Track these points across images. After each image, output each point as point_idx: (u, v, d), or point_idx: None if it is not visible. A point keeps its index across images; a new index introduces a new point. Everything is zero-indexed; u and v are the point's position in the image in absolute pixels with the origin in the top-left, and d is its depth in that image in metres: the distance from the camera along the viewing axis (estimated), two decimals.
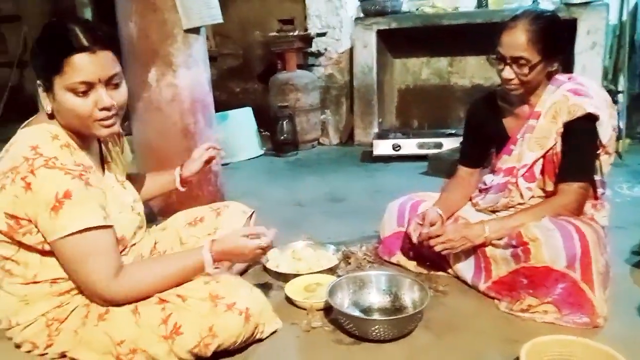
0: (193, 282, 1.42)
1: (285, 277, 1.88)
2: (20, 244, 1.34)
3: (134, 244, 1.56)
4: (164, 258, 1.46)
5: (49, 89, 1.30)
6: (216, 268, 1.42)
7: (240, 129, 4.14)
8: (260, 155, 4.21)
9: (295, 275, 1.88)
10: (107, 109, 1.31)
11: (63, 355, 1.43)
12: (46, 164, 1.25)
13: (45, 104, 1.33)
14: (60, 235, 1.26)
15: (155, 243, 1.74)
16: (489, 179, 1.90)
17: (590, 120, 1.65)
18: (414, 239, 1.80)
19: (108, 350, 1.37)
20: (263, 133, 4.45)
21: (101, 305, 1.38)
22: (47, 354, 1.43)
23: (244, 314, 1.38)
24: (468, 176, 1.99)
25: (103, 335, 1.36)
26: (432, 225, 1.77)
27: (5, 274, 1.40)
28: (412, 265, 1.94)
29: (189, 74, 2.50)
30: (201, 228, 1.78)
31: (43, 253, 1.34)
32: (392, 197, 2.12)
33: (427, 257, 1.89)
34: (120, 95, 1.34)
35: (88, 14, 5.53)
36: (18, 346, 1.47)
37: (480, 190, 1.94)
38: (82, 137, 1.40)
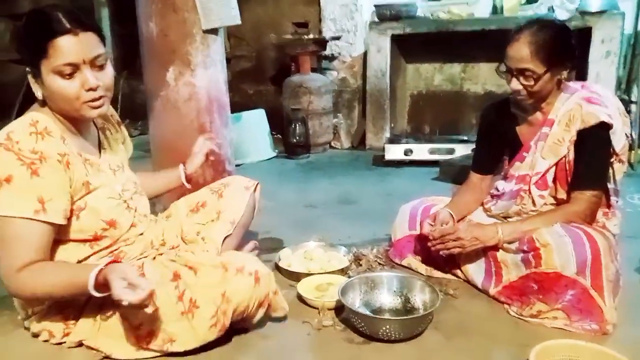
0: (206, 254, 1.47)
1: (297, 277, 1.90)
2: None
3: (142, 234, 1.58)
4: (66, 267, 1.38)
5: (37, 75, 1.34)
6: (100, 294, 1.29)
7: (253, 130, 4.17)
8: (272, 157, 4.24)
9: (307, 275, 1.90)
10: (93, 89, 1.35)
11: (80, 344, 1.46)
12: (6, 146, 1.29)
13: (36, 90, 1.37)
14: None
15: (163, 232, 1.75)
16: (501, 185, 1.91)
17: (604, 128, 1.65)
18: (426, 232, 1.80)
19: (127, 335, 1.40)
20: (275, 135, 4.49)
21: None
22: (64, 342, 1.46)
23: (254, 275, 1.43)
24: (479, 182, 2.00)
25: (121, 321, 1.40)
26: (443, 225, 1.79)
27: None
28: (422, 268, 1.96)
29: (207, 73, 2.53)
30: (203, 214, 1.79)
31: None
32: (403, 201, 2.14)
33: (438, 261, 1.91)
34: (106, 76, 1.38)
35: (105, 13, 5.61)
36: (36, 335, 1.50)
37: (492, 196, 1.95)
38: (75, 122, 1.43)
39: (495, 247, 1.70)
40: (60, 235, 1.40)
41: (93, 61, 1.34)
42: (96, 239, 1.46)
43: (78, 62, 1.32)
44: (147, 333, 1.39)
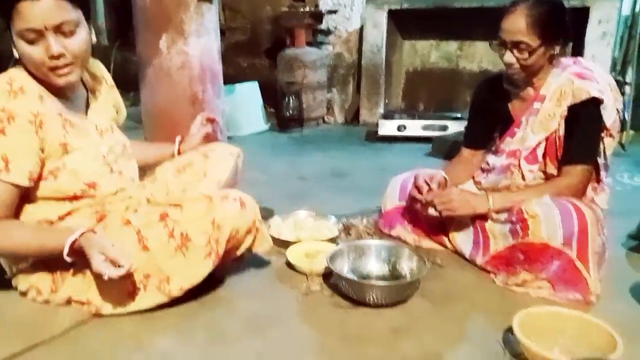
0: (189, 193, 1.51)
1: (286, 245, 1.91)
2: None
3: (130, 197, 1.57)
4: (35, 229, 1.40)
5: (11, 36, 1.33)
6: (72, 260, 1.34)
7: (246, 102, 4.15)
8: (265, 131, 4.23)
9: (297, 243, 1.91)
10: (55, 57, 1.32)
11: (68, 300, 1.46)
12: None
13: (14, 50, 1.35)
14: None
15: (151, 193, 1.74)
16: (491, 160, 1.92)
17: (594, 104, 1.66)
18: (419, 183, 1.81)
19: (121, 285, 1.40)
20: (268, 110, 4.47)
21: None
22: (52, 300, 1.47)
23: (238, 201, 1.48)
24: (471, 157, 2.02)
25: None
26: (439, 186, 1.80)
27: None
28: (411, 238, 1.97)
29: (200, 42, 2.51)
30: (190, 174, 1.78)
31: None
32: (395, 175, 2.13)
33: (427, 230, 1.93)
34: (74, 43, 1.34)
35: None
36: (23, 294, 1.50)
37: (483, 170, 1.96)
38: (48, 83, 1.40)
39: (484, 217, 1.72)
40: (37, 193, 1.40)
41: (58, 27, 1.30)
42: (76, 198, 1.45)
43: (39, 28, 1.28)
44: (143, 277, 1.41)
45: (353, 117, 4.49)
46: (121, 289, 1.42)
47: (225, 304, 1.54)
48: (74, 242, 1.30)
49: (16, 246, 1.36)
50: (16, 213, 1.40)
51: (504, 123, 1.88)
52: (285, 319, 1.49)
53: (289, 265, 1.78)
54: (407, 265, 1.67)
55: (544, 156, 1.78)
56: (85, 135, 1.47)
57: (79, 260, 1.34)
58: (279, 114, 4.23)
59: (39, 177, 1.38)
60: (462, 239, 1.82)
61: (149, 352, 1.32)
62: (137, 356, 1.30)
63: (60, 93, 1.44)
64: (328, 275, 1.68)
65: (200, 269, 1.43)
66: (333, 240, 1.98)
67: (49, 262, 1.43)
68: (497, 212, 1.69)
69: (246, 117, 4.11)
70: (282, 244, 1.93)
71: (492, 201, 1.69)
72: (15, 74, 1.36)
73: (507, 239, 1.66)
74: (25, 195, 1.39)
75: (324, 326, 1.46)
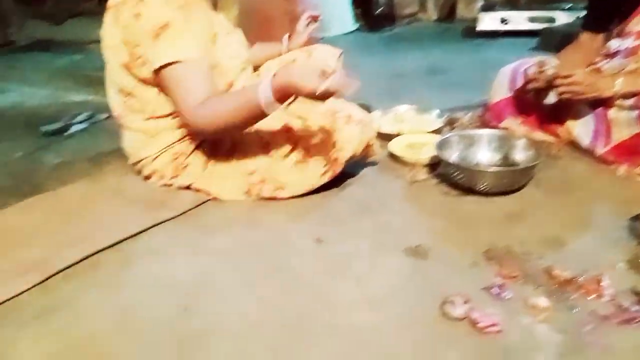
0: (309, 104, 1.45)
1: (388, 138, 1.88)
2: (138, 78, 1.41)
3: None
4: (237, 92, 1.40)
5: None
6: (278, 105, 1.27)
7: (334, 1, 4.00)
8: (354, 31, 4.09)
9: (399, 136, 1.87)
10: None
11: (188, 187, 1.54)
12: None
13: None
14: (158, 64, 1.32)
15: None
16: (615, 43, 1.73)
17: None
18: (530, 73, 1.71)
19: (238, 181, 1.48)
20: (357, 10, 4.28)
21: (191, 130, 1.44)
22: (172, 184, 1.55)
23: (361, 124, 1.50)
24: (590, 42, 1.82)
25: (234, 167, 1.47)
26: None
27: (128, 111, 1.50)
28: (522, 130, 1.86)
29: None
30: None
31: (159, 88, 1.41)
32: (499, 69, 1.99)
33: (540, 122, 1.81)
34: None
35: None
36: (147, 177, 1.59)
37: (605, 56, 1.78)
38: None
39: (606, 104, 1.58)
40: None
41: None
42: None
43: None
44: (259, 181, 1.47)
45: (448, 13, 4.21)
46: (241, 181, 1.48)
47: (333, 189, 1.55)
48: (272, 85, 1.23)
49: (228, 115, 1.31)
50: None
51: (632, 1, 1.67)
52: (393, 204, 1.49)
53: (392, 156, 1.76)
54: (521, 155, 1.59)
55: None
56: (219, 31, 1.48)
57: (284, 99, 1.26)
58: (368, 12, 4.05)
59: None
60: (580, 129, 1.69)
61: (263, 229, 1.38)
62: (252, 232, 1.37)
63: None
64: (434, 166, 1.65)
65: (314, 183, 1.48)
66: (436, 132, 1.92)
67: (173, 148, 1.50)
68: (624, 97, 1.54)
69: (334, 17, 3.98)
70: (384, 137, 1.91)
71: (619, 84, 1.53)
72: None
73: (633, 127, 1.53)
74: None
75: (434, 211, 1.45)
